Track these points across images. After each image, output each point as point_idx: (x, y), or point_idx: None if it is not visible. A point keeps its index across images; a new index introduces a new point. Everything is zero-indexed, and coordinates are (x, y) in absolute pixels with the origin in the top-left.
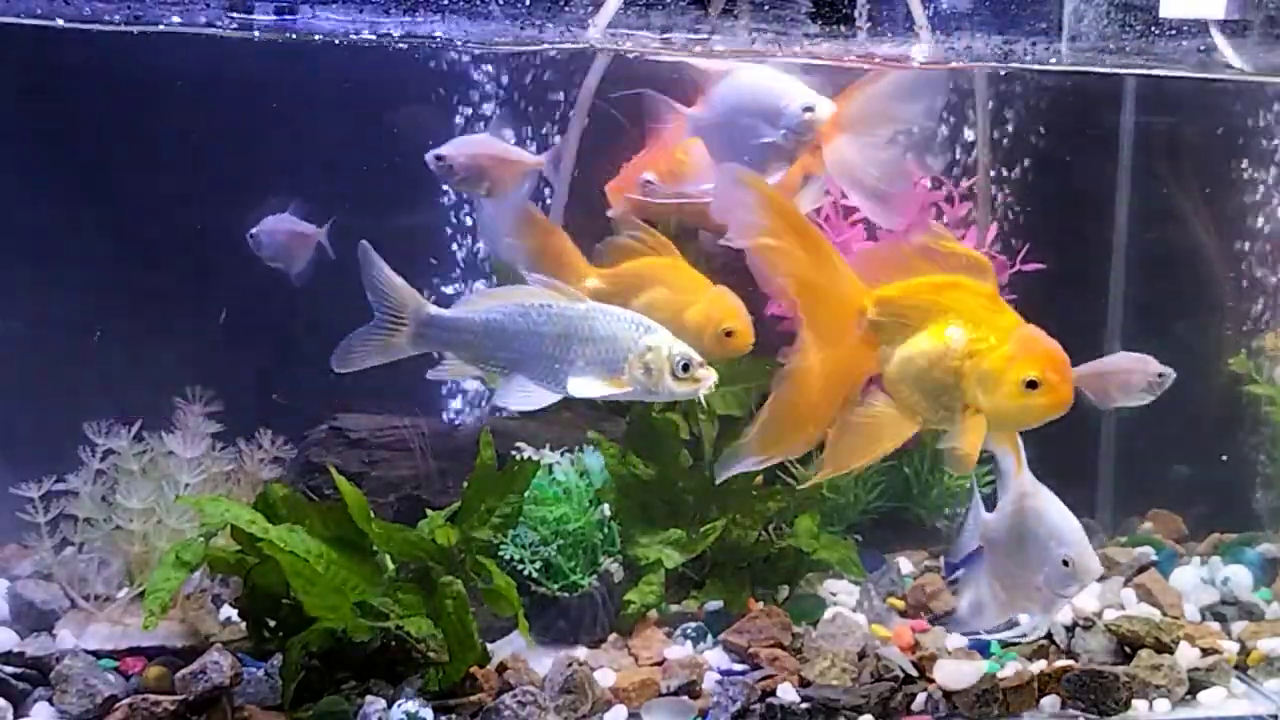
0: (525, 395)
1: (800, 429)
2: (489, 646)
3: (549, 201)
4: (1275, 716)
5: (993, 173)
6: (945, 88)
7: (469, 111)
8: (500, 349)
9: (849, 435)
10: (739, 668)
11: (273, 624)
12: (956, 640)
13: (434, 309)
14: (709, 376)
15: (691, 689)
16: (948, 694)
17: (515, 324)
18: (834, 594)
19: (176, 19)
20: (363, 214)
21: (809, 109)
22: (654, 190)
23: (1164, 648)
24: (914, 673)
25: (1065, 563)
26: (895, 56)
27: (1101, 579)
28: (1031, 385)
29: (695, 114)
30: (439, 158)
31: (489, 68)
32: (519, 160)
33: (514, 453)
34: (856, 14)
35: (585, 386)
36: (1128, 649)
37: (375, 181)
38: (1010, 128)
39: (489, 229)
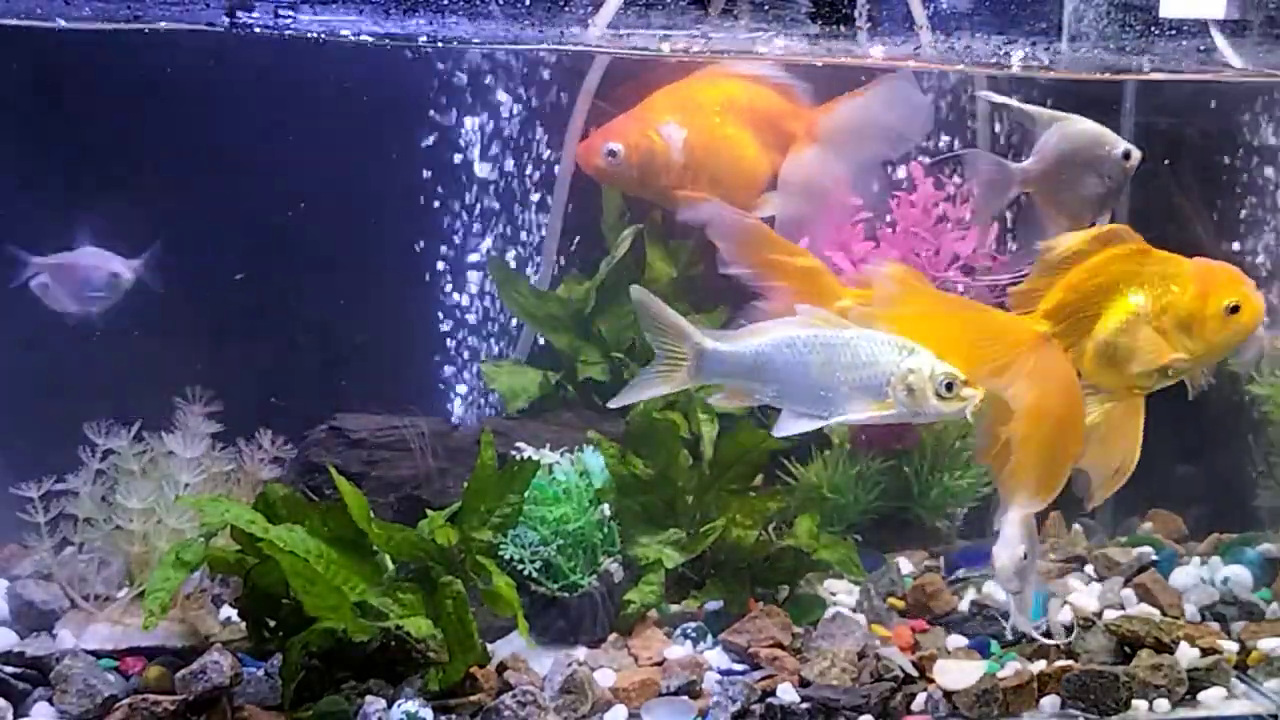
0: (796, 424)
1: (1066, 459)
2: (489, 646)
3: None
4: (1275, 716)
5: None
6: (929, 111)
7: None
8: (771, 380)
9: (1095, 447)
10: (739, 668)
11: (273, 624)
12: (956, 640)
13: (710, 343)
14: (974, 394)
15: (691, 689)
16: (948, 694)
17: (782, 355)
18: (834, 594)
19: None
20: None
21: (1127, 155)
22: (617, 161)
23: (1164, 648)
24: (914, 673)
25: None
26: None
27: (1101, 579)
28: (1234, 310)
29: (1024, 168)
30: (35, 275)
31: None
32: (112, 269)
33: (514, 453)
34: (856, 14)
35: (854, 412)
36: (1128, 649)
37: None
38: (1010, 127)
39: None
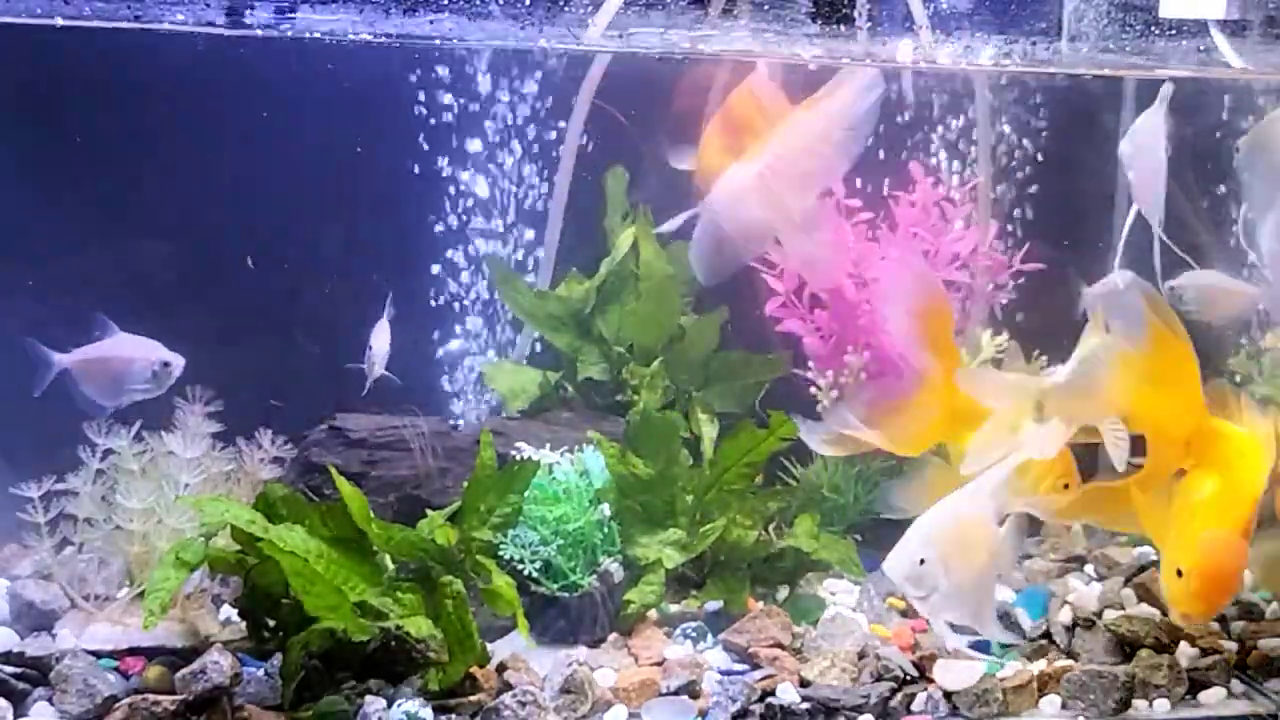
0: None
1: None
2: (489, 646)
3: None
4: (1275, 716)
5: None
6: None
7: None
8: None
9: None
10: (739, 668)
11: (273, 624)
12: (956, 640)
13: (1048, 381)
14: None
15: (691, 689)
16: (948, 694)
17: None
18: (834, 594)
19: (180, 17)
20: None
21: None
22: None
23: (1164, 647)
24: (914, 673)
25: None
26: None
27: (1101, 579)
28: (1178, 574)
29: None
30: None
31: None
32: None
33: (514, 453)
34: (856, 14)
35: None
36: (1128, 649)
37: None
38: (1010, 127)
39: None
